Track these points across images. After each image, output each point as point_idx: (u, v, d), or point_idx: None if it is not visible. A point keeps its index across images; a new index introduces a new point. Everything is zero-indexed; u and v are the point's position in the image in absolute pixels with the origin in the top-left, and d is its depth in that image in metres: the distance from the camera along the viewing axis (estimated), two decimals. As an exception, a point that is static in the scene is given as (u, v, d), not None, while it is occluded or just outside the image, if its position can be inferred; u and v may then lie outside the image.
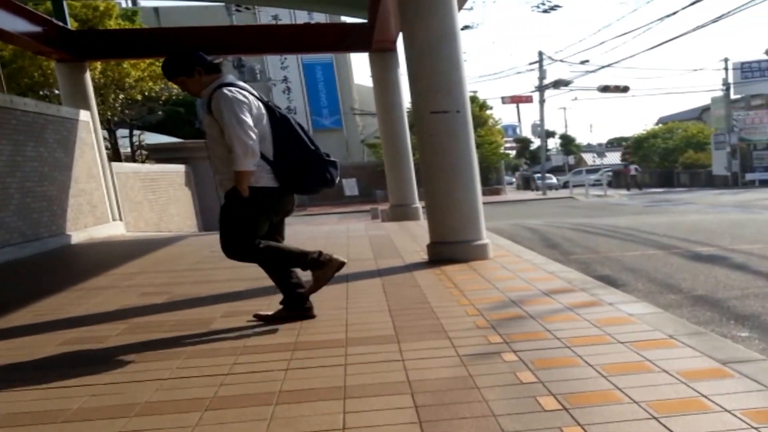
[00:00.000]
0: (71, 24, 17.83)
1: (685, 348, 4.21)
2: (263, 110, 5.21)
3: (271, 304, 5.84)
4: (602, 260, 10.43)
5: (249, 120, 4.98)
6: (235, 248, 5.30)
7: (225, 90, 5.03)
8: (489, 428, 3.15)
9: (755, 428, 3.01)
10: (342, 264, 5.49)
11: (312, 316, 5.57)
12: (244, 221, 5.21)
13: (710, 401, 3.32)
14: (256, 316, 5.60)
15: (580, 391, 3.54)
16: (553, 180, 62.31)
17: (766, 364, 3.85)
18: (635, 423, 3.11)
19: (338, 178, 5.51)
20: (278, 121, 5.25)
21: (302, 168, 5.25)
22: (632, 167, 56.05)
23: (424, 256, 8.76)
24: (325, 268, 5.42)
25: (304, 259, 5.39)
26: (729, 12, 44.82)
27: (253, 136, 4.97)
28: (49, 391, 4.05)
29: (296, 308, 5.53)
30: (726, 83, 49.23)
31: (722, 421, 3.10)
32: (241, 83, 5.26)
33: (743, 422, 3.07)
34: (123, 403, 3.76)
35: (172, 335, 5.27)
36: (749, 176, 47.20)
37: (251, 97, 5.15)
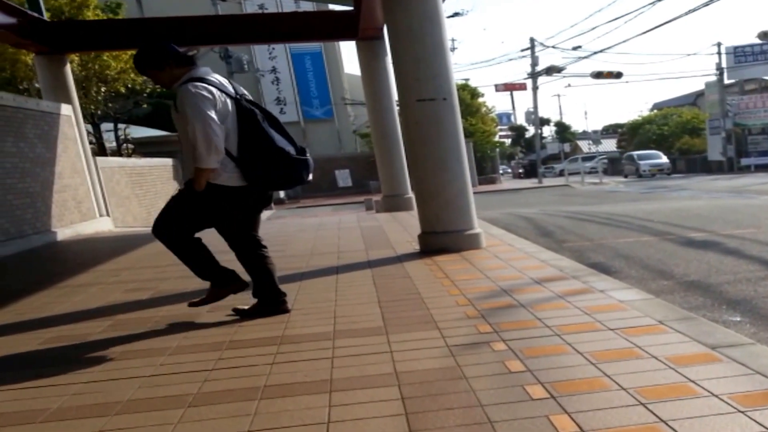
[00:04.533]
0: (47, 16, 17.58)
1: (675, 333, 4.17)
2: (230, 106, 5.06)
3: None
4: (595, 247, 10.39)
5: (213, 115, 4.85)
6: (165, 232, 5.31)
7: (189, 86, 4.91)
8: (476, 418, 3.10)
9: (742, 412, 2.98)
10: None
11: (286, 310, 5.59)
12: (185, 213, 5.23)
13: (698, 386, 3.28)
14: (234, 310, 5.59)
15: (569, 379, 3.51)
16: (662, 159, 48.70)
17: (755, 348, 3.82)
18: (623, 409, 3.07)
19: (310, 176, 5.37)
20: (245, 117, 5.09)
21: (267, 166, 5.12)
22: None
23: (416, 247, 8.72)
24: (225, 289, 5.57)
25: (214, 270, 5.50)
26: (721, -5, 44.80)
27: (218, 132, 4.86)
28: (29, 390, 3.99)
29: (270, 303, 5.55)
30: (719, 68, 49.10)
31: (709, 406, 3.06)
32: (212, 77, 5.13)
33: (730, 406, 3.04)
34: (104, 401, 3.70)
35: (156, 331, 5.21)
36: (744, 161, 47.05)
37: (217, 92, 4.99)
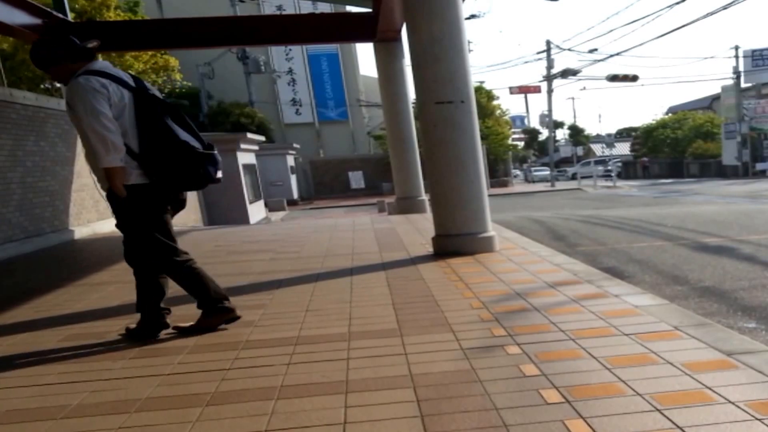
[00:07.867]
0: (71, 17, 17.64)
1: (690, 339, 4.18)
2: (127, 99, 4.69)
3: (274, 299, 5.82)
4: (609, 252, 10.39)
5: (106, 110, 4.54)
6: (139, 254, 5.03)
7: (80, 79, 4.60)
8: (490, 421, 3.12)
9: (758, 419, 2.99)
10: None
11: (236, 317, 5.24)
12: (140, 223, 4.87)
13: (714, 393, 3.29)
14: (175, 328, 5.21)
15: (584, 384, 3.52)
16: None
17: (771, 355, 3.81)
18: (638, 415, 3.09)
19: (219, 173, 4.98)
20: (144, 110, 4.72)
21: (173, 162, 4.76)
22: (645, 159, 59.00)
23: (429, 249, 8.72)
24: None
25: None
26: (739, -2, 44.60)
27: (111, 127, 4.54)
28: (49, 387, 4.04)
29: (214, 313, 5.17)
30: (736, 71, 48.82)
31: (725, 413, 3.07)
32: (111, 70, 4.79)
33: (746, 413, 3.05)
34: (123, 398, 3.74)
35: (174, 330, 5.23)
36: (759, 166, 46.59)
37: (113, 86, 4.65)
